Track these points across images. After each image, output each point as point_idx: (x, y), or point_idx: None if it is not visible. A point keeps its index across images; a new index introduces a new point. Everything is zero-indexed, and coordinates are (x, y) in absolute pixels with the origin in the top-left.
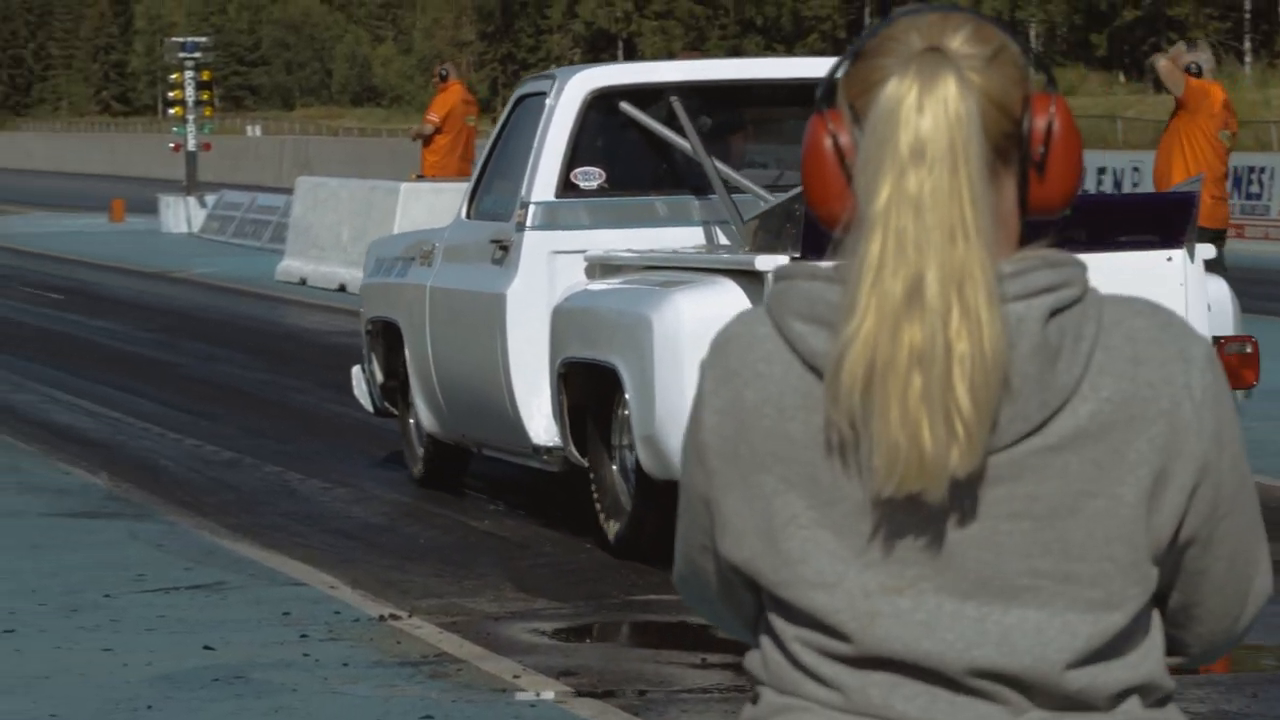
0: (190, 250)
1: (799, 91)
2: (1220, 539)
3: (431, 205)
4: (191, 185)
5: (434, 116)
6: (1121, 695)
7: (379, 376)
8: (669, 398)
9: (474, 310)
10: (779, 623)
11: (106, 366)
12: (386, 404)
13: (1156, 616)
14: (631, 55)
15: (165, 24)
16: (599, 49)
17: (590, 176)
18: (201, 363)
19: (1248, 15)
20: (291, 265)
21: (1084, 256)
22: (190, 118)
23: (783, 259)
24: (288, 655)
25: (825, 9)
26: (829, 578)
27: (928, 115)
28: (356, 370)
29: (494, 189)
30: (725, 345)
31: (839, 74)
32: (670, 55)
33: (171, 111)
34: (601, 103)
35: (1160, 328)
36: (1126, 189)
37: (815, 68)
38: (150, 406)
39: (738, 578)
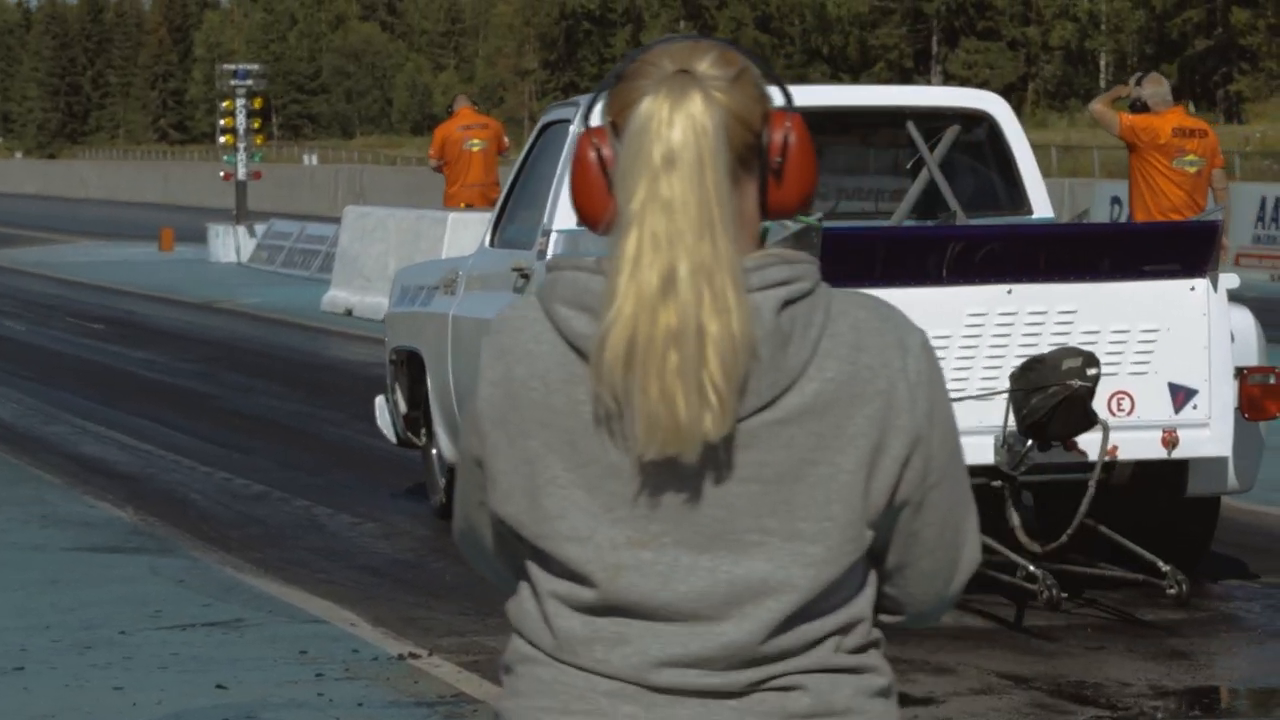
0: (237, 280)
1: (817, 119)
2: (931, 505)
3: (479, 235)
4: (241, 214)
5: (432, 152)
6: (821, 640)
7: (402, 407)
8: None
9: None
10: (537, 573)
11: (143, 398)
12: (409, 434)
13: (872, 575)
14: None
15: (224, 51)
16: None
17: None
18: (239, 394)
19: None
20: (338, 296)
21: (1107, 285)
22: (241, 146)
23: None
24: (301, 695)
25: (892, 38)
26: (582, 532)
27: (677, 128)
28: (380, 400)
29: (517, 217)
30: (501, 327)
31: (602, 95)
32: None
33: (222, 140)
34: None
35: (881, 319)
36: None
37: (839, 96)
38: (183, 439)
39: (506, 530)
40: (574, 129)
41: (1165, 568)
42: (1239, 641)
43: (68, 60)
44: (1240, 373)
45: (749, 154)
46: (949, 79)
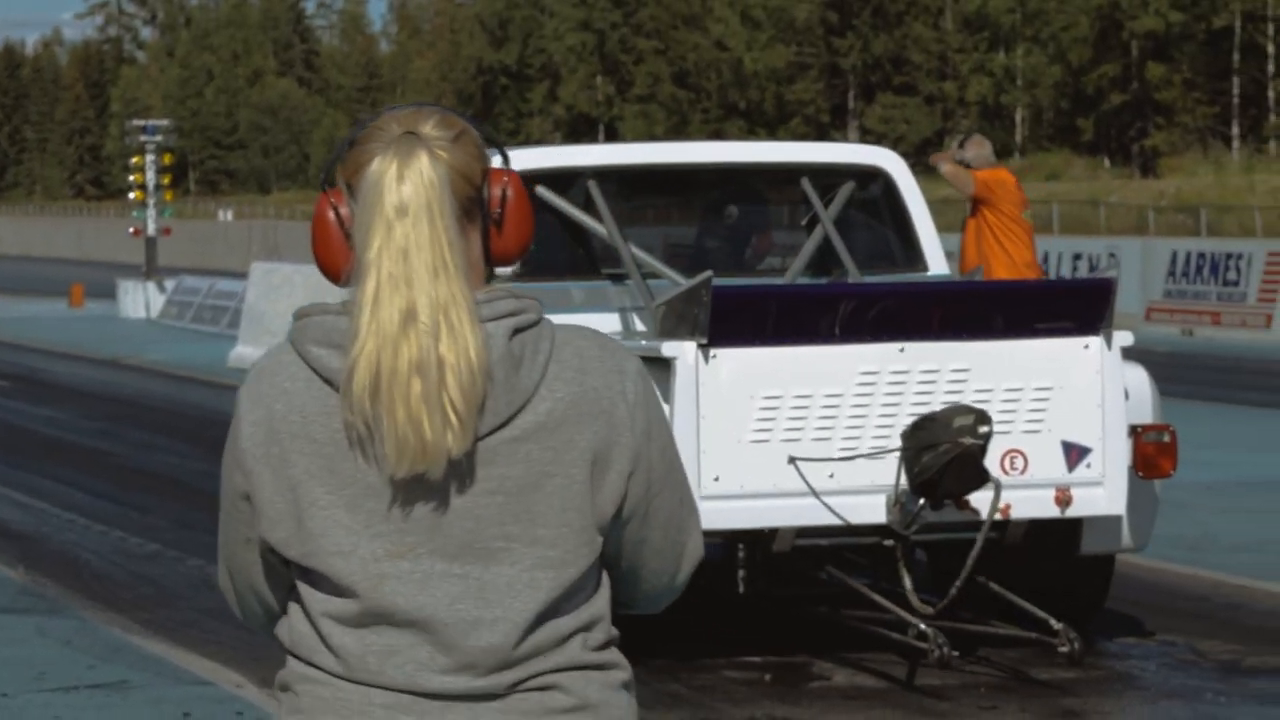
0: (146, 336)
1: (713, 176)
2: (655, 512)
3: None
4: (151, 270)
5: None
6: (569, 637)
7: None
8: None
9: None
10: (308, 594)
11: (43, 456)
12: None
13: (606, 576)
14: (613, 139)
15: (141, 107)
16: (580, 133)
17: None
18: (140, 452)
19: (1236, 100)
20: (244, 351)
21: (1000, 343)
22: (151, 202)
23: (689, 344)
24: None
25: (809, 93)
26: (345, 547)
27: (407, 182)
28: None
29: None
30: (258, 375)
31: (338, 160)
32: (653, 139)
33: (132, 196)
34: None
35: (600, 348)
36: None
37: (733, 152)
38: (81, 497)
39: (275, 558)
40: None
41: (1057, 626)
42: (1133, 700)
43: None
44: (1134, 430)
45: (471, 206)
46: (865, 134)
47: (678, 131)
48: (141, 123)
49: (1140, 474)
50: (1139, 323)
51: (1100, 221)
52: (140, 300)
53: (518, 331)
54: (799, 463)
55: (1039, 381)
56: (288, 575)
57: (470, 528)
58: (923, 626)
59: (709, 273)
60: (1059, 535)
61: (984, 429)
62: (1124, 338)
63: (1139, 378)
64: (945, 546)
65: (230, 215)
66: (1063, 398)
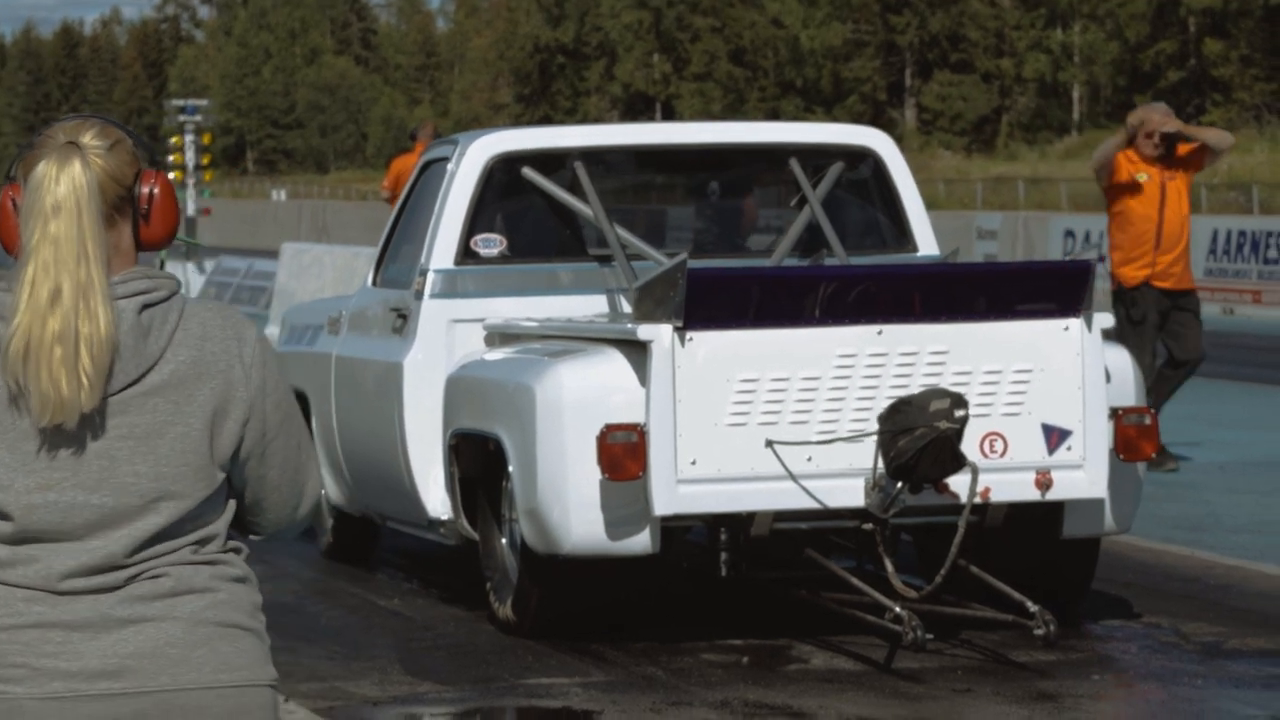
0: None
1: (705, 156)
2: (272, 454)
3: None
4: (191, 251)
5: (386, 183)
6: (181, 549)
7: None
8: (551, 469)
9: (374, 380)
10: None
11: None
12: None
13: (231, 505)
14: (670, 118)
15: (199, 87)
16: (636, 111)
17: (491, 244)
18: None
19: None
20: (274, 332)
21: (979, 325)
22: (190, 181)
23: (665, 327)
24: None
25: (865, 71)
26: (3, 481)
27: (62, 184)
28: None
29: (399, 256)
30: None
31: (19, 159)
32: (710, 117)
33: (171, 176)
34: (503, 168)
35: (223, 319)
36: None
37: (722, 133)
38: None
39: None
40: (450, 167)
41: (1033, 608)
42: (1110, 684)
43: (42, 95)
44: (1115, 413)
45: (122, 203)
46: (922, 111)
47: (734, 110)
48: (180, 102)
49: (1121, 456)
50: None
51: None
52: (180, 280)
53: (147, 306)
54: (776, 446)
55: (1019, 364)
56: None
57: (105, 466)
58: (898, 610)
59: (684, 255)
60: (1041, 519)
61: (960, 413)
62: (1104, 319)
63: (1121, 360)
64: (930, 530)
65: (284, 195)
66: (1043, 380)
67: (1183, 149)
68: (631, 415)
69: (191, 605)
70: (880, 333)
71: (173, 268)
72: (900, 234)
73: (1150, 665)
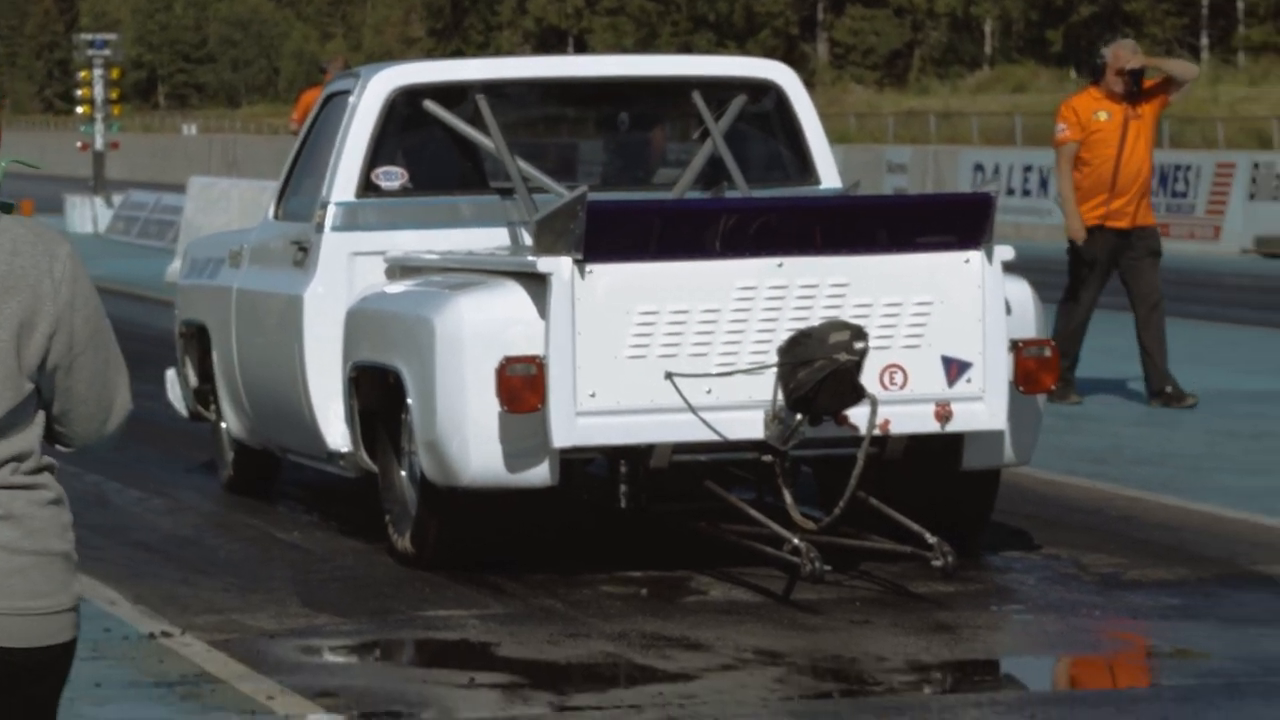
0: (90, 251)
1: (608, 89)
2: (79, 368)
3: None
4: (99, 185)
5: (294, 116)
6: (12, 466)
7: (192, 380)
8: (450, 402)
9: (274, 313)
10: None
11: None
12: (199, 408)
13: (40, 416)
14: (582, 52)
15: (110, 21)
16: (549, 45)
17: (392, 177)
18: None
19: (1205, 10)
20: (180, 266)
21: (880, 258)
22: (99, 116)
23: (564, 260)
24: None
25: (778, 4)
26: None
27: None
28: (171, 373)
29: (300, 189)
30: None
31: None
32: (623, 51)
33: (80, 110)
34: (405, 101)
35: (35, 235)
36: (1053, 186)
37: (624, 66)
38: None
39: None
40: (351, 100)
41: (932, 540)
42: (1007, 614)
43: None
44: (1015, 345)
45: None
46: (835, 45)
47: (647, 44)
48: (89, 37)
49: (1021, 389)
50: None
51: None
52: (88, 215)
53: None
54: (676, 378)
55: (919, 296)
56: None
57: None
58: (796, 541)
59: (584, 188)
60: (940, 450)
61: (860, 345)
62: (1005, 252)
63: (1022, 292)
64: (829, 462)
65: (194, 129)
66: (943, 312)
67: (1148, 83)
68: (531, 348)
69: (7, 534)
70: (780, 265)
71: (80, 201)
72: (803, 166)
73: (1049, 596)
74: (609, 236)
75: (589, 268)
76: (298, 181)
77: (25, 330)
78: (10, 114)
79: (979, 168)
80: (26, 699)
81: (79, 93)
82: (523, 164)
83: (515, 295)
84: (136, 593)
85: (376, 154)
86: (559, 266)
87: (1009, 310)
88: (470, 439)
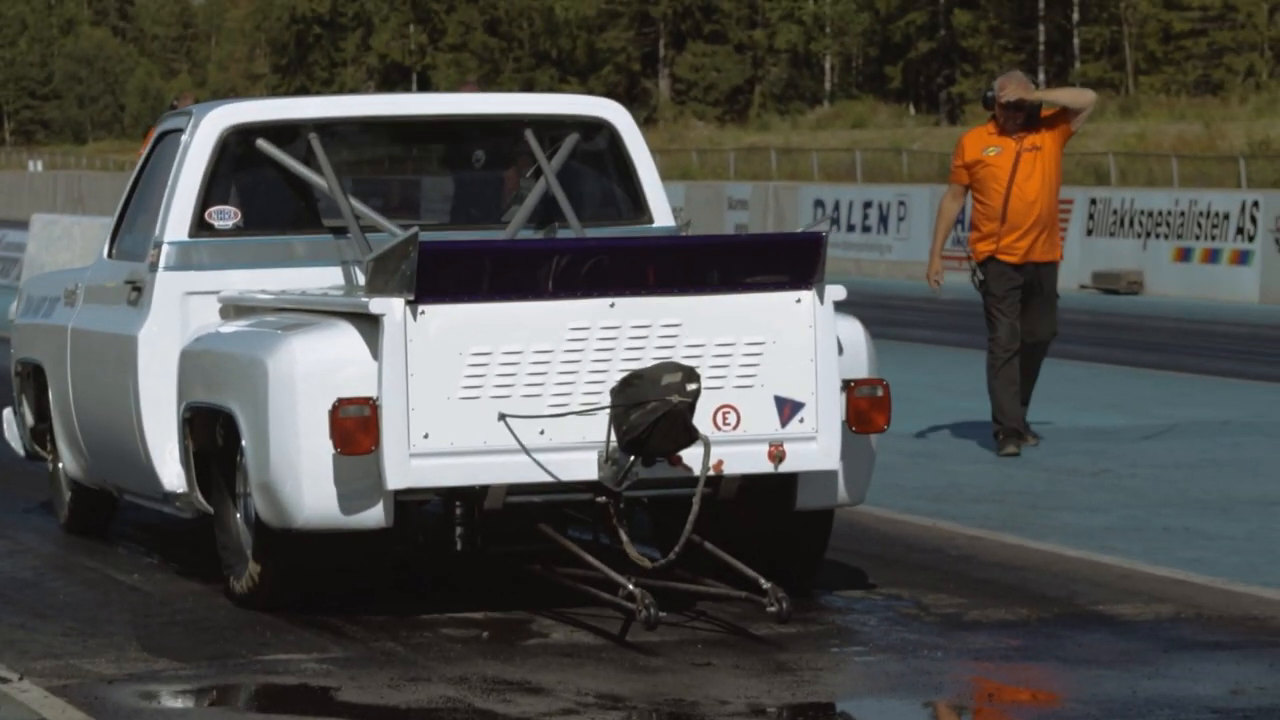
0: None
1: (439, 128)
2: None
3: None
4: None
5: (141, 152)
6: None
7: (29, 419)
8: (283, 443)
9: (109, 353)
10: None
11: None
12: (37, 447)
13: None
14: (426, 88)
15: None
16: (393, 82)
17: (225, 216)
18: None
19: (1042, 47)
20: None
21: (711, 298)
22: None
23: (396, 301)
24: None
25: (620, 41)
26: None
27: None
28: (7, 413)
29: (134, 228)
30: None
31: None
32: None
33: None
34: (238, 140)
35: None
36: (894, 220)
37: (457, 104)
38: None
39: None
40: (184, 139)
41: (766, 585)
42: (848, 655)
43: None
44: (848, 385)
45: None
46: (676, 82)
47: (490, 80)
48: None
49: (854, 428)
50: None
51: (902, 169)
52: None
53: None
54: (509, 419)
55: (751, 336)
56: None
57: None
58: (630, 587)
59: (415, 228)
60: (774, 491)
61: (692, 386)
62: (836, 291)
63: (854, 331)
64: (664, 503)
65: (40, 165)
66: (775, 352)
67: (1045, 113)
68: (364, 389)
69: None
70: (613, 305)
71: None
72: (635, 205)
73: (889, 637)
74: (441, 277)
75: (421, 308)
76: (131, 219)
77: None
78: None
79: (819, 203)
80: None
81: None
82: (355, 203)
83: (348, 336)
84: (27, 667)
85: (209, 193)
86: (391, 307)
87: (841, 350)
88: (304, 481)
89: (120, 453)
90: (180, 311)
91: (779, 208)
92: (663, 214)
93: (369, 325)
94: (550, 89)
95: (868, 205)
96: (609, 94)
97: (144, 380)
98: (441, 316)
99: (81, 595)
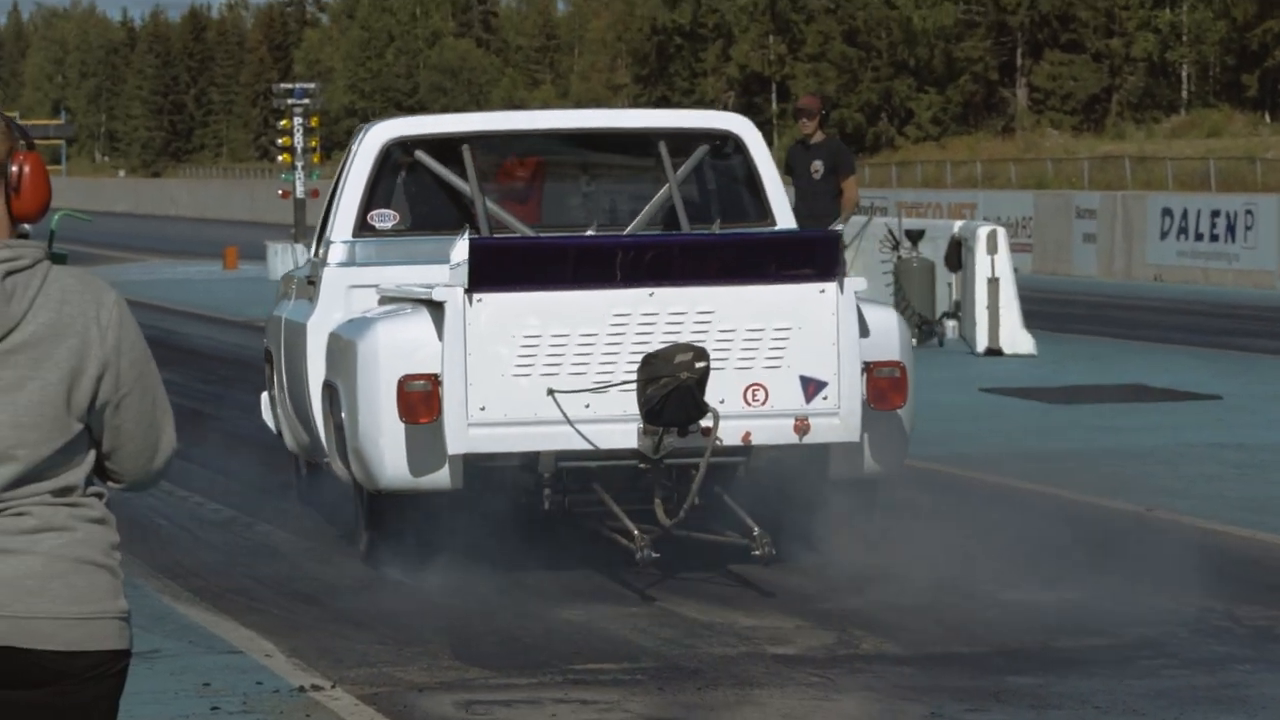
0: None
1: (585, 140)
2: (127, 408)
3: None
4: (300, 232)
5: None
6: (44, 494)
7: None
8: (367, 413)
9: (295, 339)
10: None
11: None
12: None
13: (91, 454)
14: (785, 98)
15: (324, 69)
16: (752, 92)
17: (385, 218)
18: (243, 415)
19: None
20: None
21: (741, 289)
22: (299, 164)
23: (456, 290)
24: None
25: (977, 50)
26: None
27: None
28: (265, 395)
29: (324, 229)
30: None
31: None
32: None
33: (280, 159)
34: (398, 151)
35: (83, 285)
36: (1241, 230)
37: (597, 119)
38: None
39: None
40: (352, 149)
41: (755, 530)
42: (1155, 668)
43: (171, 78)
44: (868, 366)
45: None
46: (1034, 91)
47: (848, 89)
48: (289, 86)
49: (873, 406)
50: (1276, 279)
51: (1256, 178)
52: (289, 261)
53: (10, 274)
54: (556, 394)
55: (779, 323)
56: None
57: None
58: (636, 532)
59: (467, 228)
60: (809, 462)
61: (701, 364)
62: (858, 283)
63: (888, 319)
64: (712, 470)
65: None
66: (801, 337)
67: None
68: (429, 366)
69: (50, 542)
70: (651, 294)
71: (281, 248)
72: (760, 209)
73: (1199, 650)
74: (492, 269)
75: (477, 296)
76: (325, 222)
77: (75, 375)
78: (227, 160)
79: (1167, 212)
80: (79, 709)
81: (279, 141)
82: (493, 206)
83: (424, 319)
84: (292, 645)
85: (372, 198)
86: (452, 296)
87: (870, 335)
88: (384, 447)
89: (304, 425)
90: (344, 302)
91: (1127, 216)
92: (784, 217)
93: (439, 312)
94: (907, 99)
95: (1215, 214)
96: (966, 104)
97: (311, 363)
98: (494, 304)
99: (397, 605)
